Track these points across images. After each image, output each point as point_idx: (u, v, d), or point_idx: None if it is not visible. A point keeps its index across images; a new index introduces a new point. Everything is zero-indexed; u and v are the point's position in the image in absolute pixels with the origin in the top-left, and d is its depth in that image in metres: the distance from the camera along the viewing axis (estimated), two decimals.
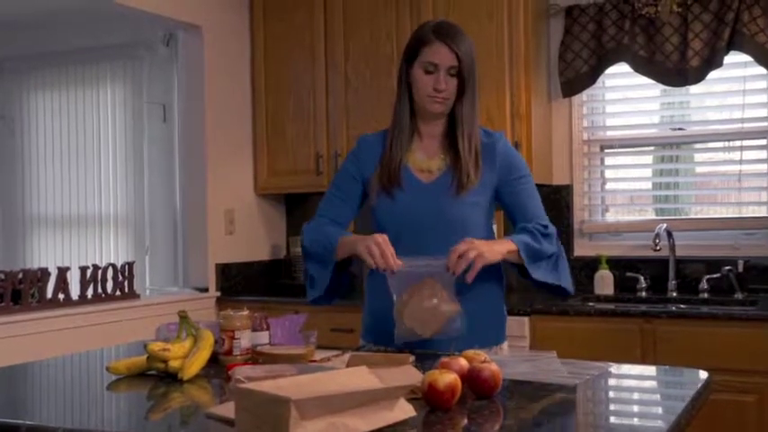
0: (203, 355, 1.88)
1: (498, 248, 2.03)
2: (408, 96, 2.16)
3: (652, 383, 1.90)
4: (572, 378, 1.73)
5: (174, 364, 1.83)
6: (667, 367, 1.97)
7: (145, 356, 1.87)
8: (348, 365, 1.78)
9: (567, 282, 2.15)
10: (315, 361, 1.95)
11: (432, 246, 2.04)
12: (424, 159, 2.18)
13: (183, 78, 4.24)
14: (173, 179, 4.67)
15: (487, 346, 2.14)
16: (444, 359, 1.65)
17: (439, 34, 2.09)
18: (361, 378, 1.44)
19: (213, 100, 4.11)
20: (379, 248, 1.96)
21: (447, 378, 1.51)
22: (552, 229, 2.15)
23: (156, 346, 1.85)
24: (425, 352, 2.02)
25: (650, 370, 1.93)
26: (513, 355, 1.88)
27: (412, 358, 1.97)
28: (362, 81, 4.03)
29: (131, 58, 4.96)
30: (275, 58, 4.27)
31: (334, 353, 2.05)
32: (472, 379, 1.59)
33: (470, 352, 1.73)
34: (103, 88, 5.13)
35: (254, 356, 1.96)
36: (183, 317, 1.95)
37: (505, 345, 2.24)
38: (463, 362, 1.64)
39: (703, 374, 1.80)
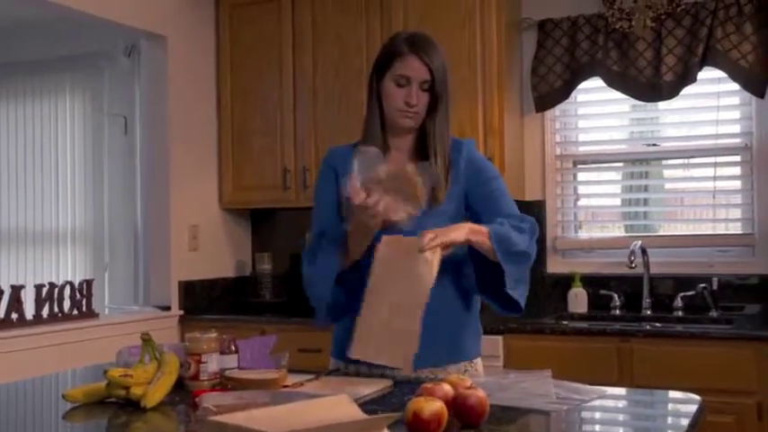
0: (168, 381, 1.77)
1: (464, 228, 1.89)
2: (379, 109, 2.08)
3: (645, 409, 1.82)
4: (560, 404, 1.64)
5: (136, 390, 1.72)
6: (660, 391, 1.90)
7: (104, 383, 1.75)
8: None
9: (523, 298, 1.99)
10: (287, 386, 1.84)
11: None
12: None
13: (146, 90, 4.12)
14: (134, 193, 4.54)
15: (460, 360, 2.06)
16: (427, 385, 1.56)
17: (412, 46, 2.01)
18: (341, 408, 1.34)
19: (177, 112, 3.99)
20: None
21: (432, 406, 1.42)
22: (529, 221, 2.00)
23: (117, 372, 1.73)
24: (399, 375, 1.93)
25: (640, 394, 1.85)
26: (504, 376, 1.79)
27: (389, 383, 1.89)
28: (331, 94, 3.94)
29: (91, 68, 4.83)
30: (242, 69, 4.16)
31: (308, 377, 1.95)
32: (458, 406, 1.50)
33: (454, 377, 1.64)
34: (62, 100, 4.98)
35: (223, 381, 1.84)
36: (147, 340, 1.84)
37: (479, 360, 2.15)
38: (447, 388, 1.55)
39: (695, 398, 1.73)
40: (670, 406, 1.82)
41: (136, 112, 4.56)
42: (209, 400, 1.58)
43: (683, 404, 1.76)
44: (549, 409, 1.62)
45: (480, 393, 1.51)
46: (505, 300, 1.98)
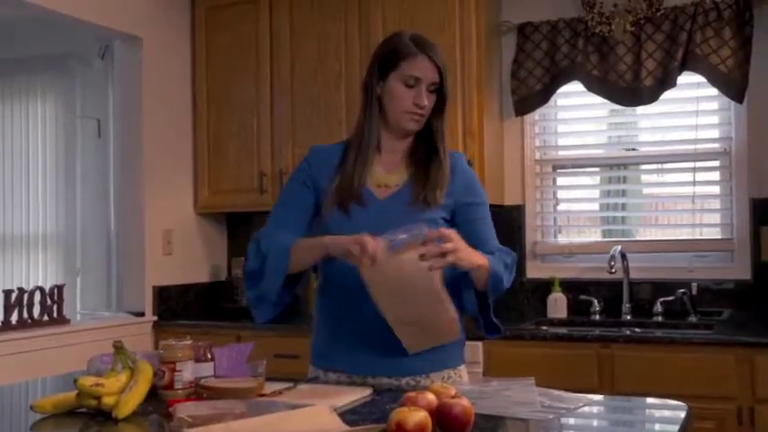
0: (141, 390, 1.71)
1: (475, 259, 1.88)
2: (378, 109, 2.02)
3: (631, 416, 1.79)
4: (545, 412, 1.61)
5: (107, 400, 1.66)
6: (645, 399, 1.87)
7: (75, 392, 1.69)
8: None
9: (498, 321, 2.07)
10: (265, 395, 1.79)
11: None
12: (383, 174, 2.04)
13: (120, 92, 4.05)
14: (107, 197, 4.44)
15: (444, 368, 2.02)
16: (410, 394, 1.51)
17: (420, 46, 1.97)
18: (321, 419, 1.30)
19: (151, 115, 3.92)
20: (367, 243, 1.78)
21: (416, 416, 1.37)
22: (512, 257, 2.04)
23: (88, 381, 1.67)
24: (380, 384, 1.89)
25: (626, 401, 1.82)
26: (487, 384, 1.76)
27: (369, 391, 1.84)
28: (309, 97, 3.89)
29: (63, 70, 4.72)
30: (218, 71, 4.10)
31: (286, 385, 1.90)
32: (442, 416, 1.46)
33: (438, 386, 1.59)
34: (33, 102, 4.87)
35: (198, 391, 1.78)
36: (119, 347, 1.78)
37: (463, 368, 2.12)
38: (431, 397, 1.50)
39: (682, 406, 1.70)
40: (657, 413, 1.79)
41: (109, 114, 4.46)
42: (184, 410, 1.52)
43: (669, 411, 1.73)
44: (534, 418, 1.58)
45: (465, 402, 1.47)
46: (488, 323, 2.04)
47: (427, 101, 1.97)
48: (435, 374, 1.99)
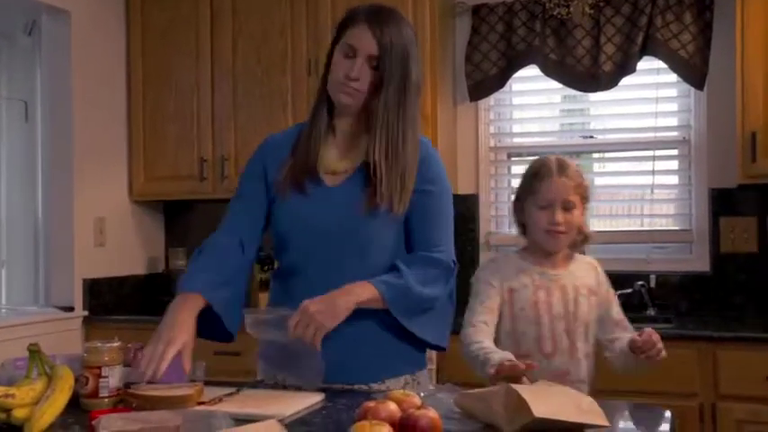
0: (59, 401, 1.50)
1: (344, 304, 1.72)
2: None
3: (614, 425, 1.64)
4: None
5: (19, 413, 1.45)
6: (625, 403, 1.73)
7: None
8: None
9: (439, 337, 1.88)
10: (204, 403, 1.59)
11: (334, 258, 1.79)
12: (334, 160, 1.86)
13: (48, 72, 3.78)
14: (34, 184, 4.16)
15: (401, 373, 1.86)
16: (369, 404, 1.33)
17: (368, 15, 1.79)
18: None
19: (82, 96, 3.67)
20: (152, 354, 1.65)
21: None
22: (440, 267, 1.83)
23: None
24: (332, 386, 1.72)
25: (608, 406, 1.67)
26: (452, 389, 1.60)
27: (320, 397, 1.67)
28: (253, 79, 3.68)
29: None
30: (155, 50, 3.86)
31: (228, 390, 1.70)
32: (407, 429, 1.28)
33: (399, 393, 1.42)
34: None
35: (127, 399, 1.58)
36: (34, 351, 1.56)
37: (425, 372, 1.96)
38: (393, 407, 1.33)
39: (665, 411, 1.57)
40: (638, 420, 1.65)
41: (37, 96, 4.19)
42: (109, 423, 1.33)
43: (655, 420, 1.59)
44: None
45: (432, 413, 1.30)
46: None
47: (361, 75, 1.77)
48: (392, 381, 1.84)
